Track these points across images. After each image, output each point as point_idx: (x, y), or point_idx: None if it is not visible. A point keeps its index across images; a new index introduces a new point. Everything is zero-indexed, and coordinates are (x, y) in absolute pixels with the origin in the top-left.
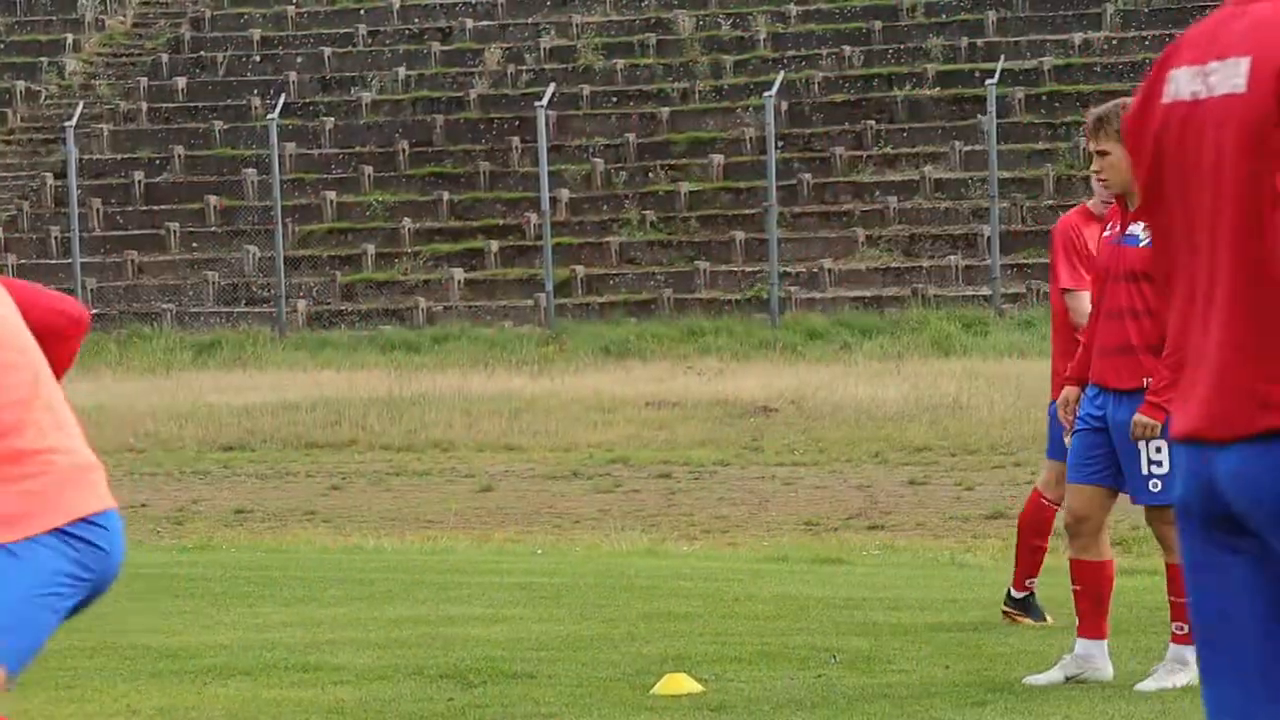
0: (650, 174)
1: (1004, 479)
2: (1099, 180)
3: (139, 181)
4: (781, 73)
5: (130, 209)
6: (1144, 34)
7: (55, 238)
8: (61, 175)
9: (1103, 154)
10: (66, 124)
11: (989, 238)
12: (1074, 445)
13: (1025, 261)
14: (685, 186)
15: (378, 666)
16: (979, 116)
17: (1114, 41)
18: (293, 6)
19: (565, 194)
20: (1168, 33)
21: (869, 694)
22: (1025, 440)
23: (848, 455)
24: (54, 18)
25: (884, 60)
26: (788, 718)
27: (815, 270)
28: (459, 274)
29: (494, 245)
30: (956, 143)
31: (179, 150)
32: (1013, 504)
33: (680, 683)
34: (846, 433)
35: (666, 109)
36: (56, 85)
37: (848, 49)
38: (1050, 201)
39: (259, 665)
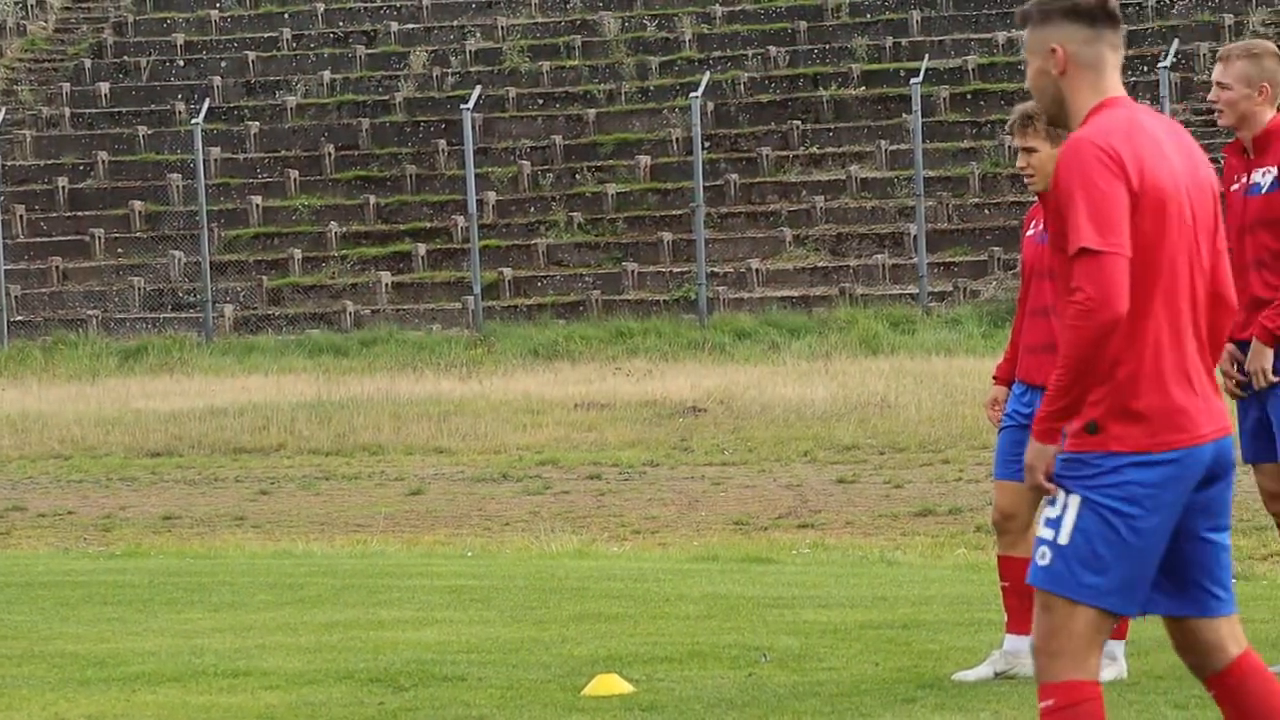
0: (577, 176)
1: (932, 476)
2: (1026, 177)
3: (63, 188)
4: (707, 73)
5: (54, 215)
6: None
7: None
8: None
9: (1029, 150)
10: None
11: (915, 236)
12: (1001, 442)
13: (952, 260)
14: (612, 188)
15: (308, 671)
16: (904, 115)
17: None
18: (216, 10)
19: (492, 196)
20: None
21: (799, 692)
22: (953, 438)
23: (777, 454)
24: None
25: (809, 60)
26: (719, 717)
27: (743, 270)
28: (386, 277)
29: (421, 248)
30: (882, 142)
31: (103, 156)
32: (941, 501)
33: (611, 683)
34: (775, 432)
35: (593, 111)
36: None
37: (773, 49)
38: (976, 200)
39: (188, 671)
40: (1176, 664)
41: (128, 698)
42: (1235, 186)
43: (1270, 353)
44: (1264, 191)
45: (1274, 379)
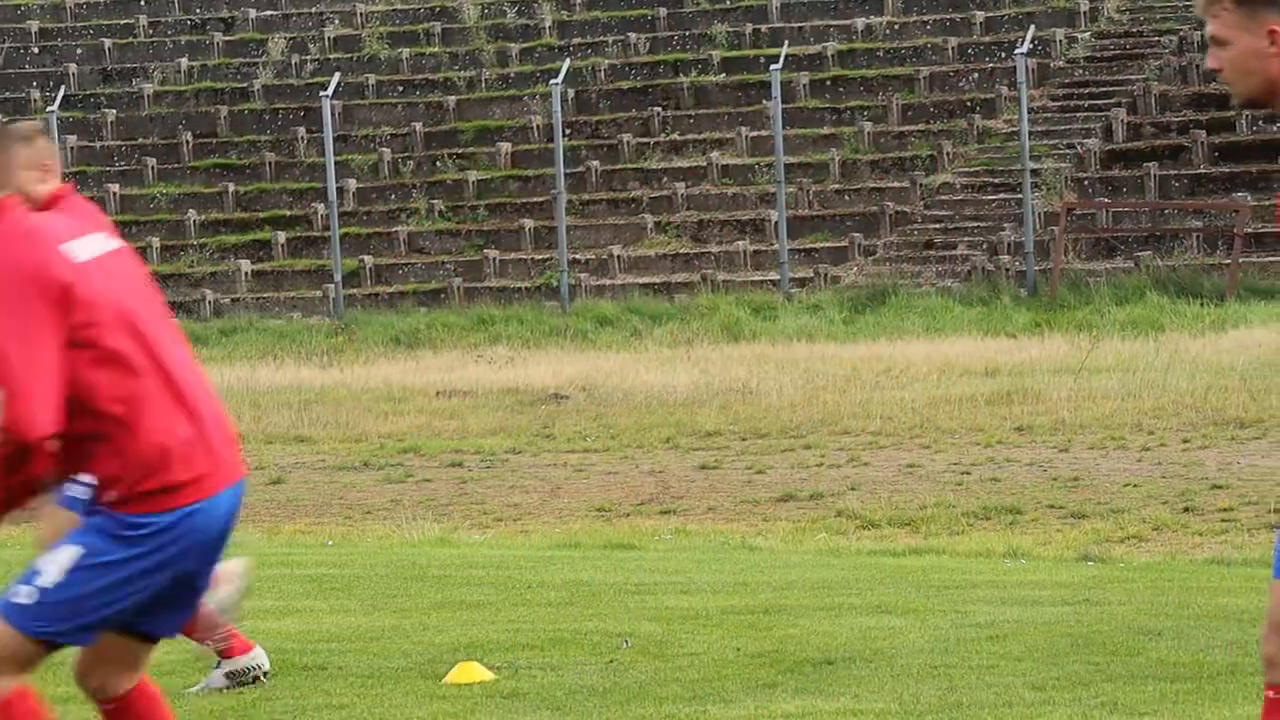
0: (438, 163)
1: (794, 462)
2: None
3: None
4: (568, 60)
5: None
6: (925, 19)
7: None
8: None
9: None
10: None
11: (776, 223)
12: None
13: (813, 246)
14: (473, 175)
15: (166, 662)
16: (764, 102)
17: (896, 27)
18: None
19: (352, 184)
20: (948, 18)
21: (661, 678)
22: (814, 423)
23: (639, 441)
24: None
25: (669, 47)
26: (580, 703)
27: (605, 257)
28: (246, 266)
29: (281, 236)
30: (743, 128)
31: None
32: (802, 486)
33: (472, 671)
34: (638, 418)
35: (453, 98)
36: None
37: (633, 36)
38: (836, 186)
39: (43, 665)
40: (1034, 646)
41: None
42: None
43: None
44: None
45: None
